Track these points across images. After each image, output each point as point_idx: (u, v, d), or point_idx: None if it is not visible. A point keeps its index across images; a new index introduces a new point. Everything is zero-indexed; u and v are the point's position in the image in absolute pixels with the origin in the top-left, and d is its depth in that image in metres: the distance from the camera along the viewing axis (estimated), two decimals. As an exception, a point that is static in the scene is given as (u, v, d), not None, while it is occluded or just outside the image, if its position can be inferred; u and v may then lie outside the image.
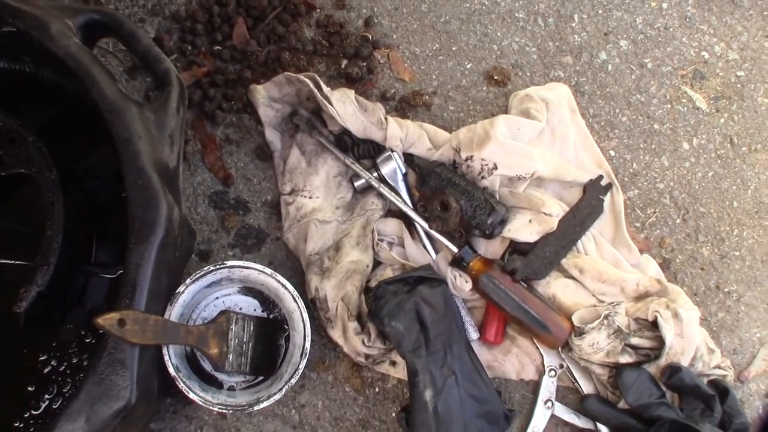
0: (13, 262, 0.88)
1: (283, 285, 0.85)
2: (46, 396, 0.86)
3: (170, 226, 0.78)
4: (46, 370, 0.87)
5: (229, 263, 0.85)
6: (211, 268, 0.84)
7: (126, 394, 0.71)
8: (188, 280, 0.82)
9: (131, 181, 0.78)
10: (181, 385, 0.79)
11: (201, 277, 0.83)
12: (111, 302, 0.86)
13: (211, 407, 0.80)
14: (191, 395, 0.80)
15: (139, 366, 0.73)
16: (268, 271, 0.85)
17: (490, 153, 0.96)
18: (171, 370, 0.78)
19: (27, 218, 0.91)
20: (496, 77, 1.11)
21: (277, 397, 0.82)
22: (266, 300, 0.90)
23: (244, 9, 1.08)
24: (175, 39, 1.07)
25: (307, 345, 0.84)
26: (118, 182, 0.83)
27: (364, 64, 1.08)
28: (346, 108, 0.97)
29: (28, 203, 0.90)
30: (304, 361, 0.83)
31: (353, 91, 1.00)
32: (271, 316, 0.89)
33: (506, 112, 1.06)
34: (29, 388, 0.86)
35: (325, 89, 0.98)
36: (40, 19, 0.85)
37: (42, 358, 0.87)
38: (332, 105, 0.96)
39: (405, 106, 1.07)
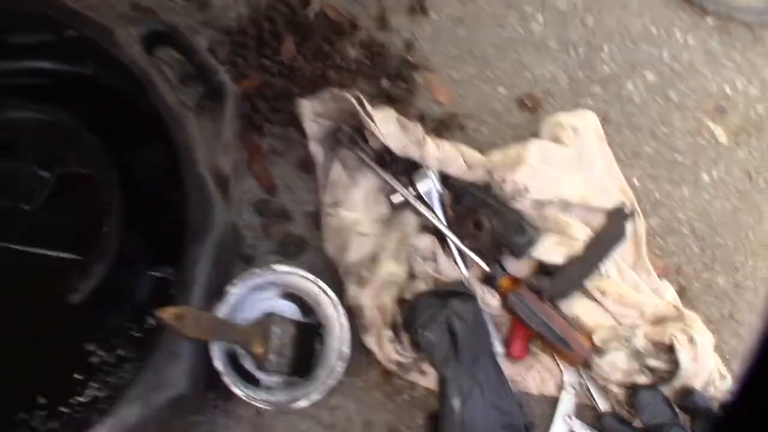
0: (67, 255, 0.92)
1: (324, 291, 0.90)
2: (93, 384, 0.91)
3: (223, 229, 0.83)
4: (93, 360, 0.92)
5: (276, 267, 0.89)
6: (259, 271, 0.89)
7: (179, 384, 0.76)
8: (237, 282, 0.87)
9: (190, 185, 0.82)
10: (226, 379, 0.84)
11: (249, 279, 0.88)
12: (155, 299, 0.92)
13: (254, 402, 0.85)
14: (236, 390, 0.84)
15: (191, 359, 0.78)
16: (312, 277, 0.90)
17: (522, 176, 1.02)
18: (219, 365, 0.83)
19: (80, 214, 0.95)
20: (528, 103, 1.16)
21: (316, 396, 0.86)
22: (306, 305, 0.95)
23: (292, 26, 1.13)
24: (227, 51, 1.12)
25: (345, 350, 0.88)
26: (164, 183, 0.89)
27: (404, 85, 1.13)
28: (387, 127, 1.02)
29: (82, 199, 0.95)
30: (342, 364, 0.88)
31: (394, 111, 1.05)
32: (310, 321, 0.94)
33: (537, 137, 1.11)
34: (77, 376, 0.91)
35: (368, 107, 1.02)
36: (106, 27, 0.89)
37: (89, 348, 0.92)
38: (375, 123, 1.01)
39: (441, 128, 1.12)
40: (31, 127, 0.96)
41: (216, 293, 0.85)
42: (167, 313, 0.73)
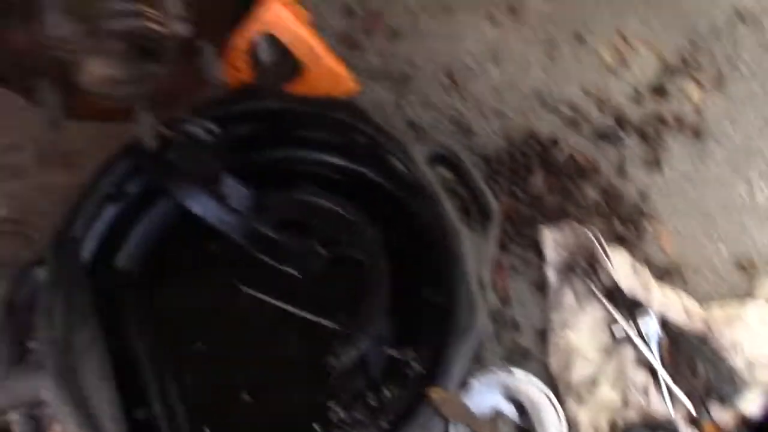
0: (331, 324, 1.08)
1: (550, 401, 1.02)
2: (331, 437, 1.05)
3: (480, 330, 0.97)
4: (332, 417, 1.05)
5: (513, 370, 1.03)
6: (497, 370, 1.02)
7: (428, 455, 0.90)
8: (479, 376, 1.00)
9: (459, 291, 0.97)
10: (456, 457, 0.97)
11: (488, 376, 1.01)
12: (387, 375, 1.04)
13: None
14: (464, 467, 0.97)
15: (437, 433, 0.91)
16: (542, 386, 1.02)
17: (737, 333, 1.11)
18: (456, 444, 0.97)
19: (347, 290, 1.11)
20: (745, 265, 1.25)
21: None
22: (523, 409, 1.07)
23: (543, 162, 1.30)
24: (482, 176, 1.28)
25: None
26: (423, 279, 1.04)
27: (634, 229, 1.26)
28: (621, 267, 1.15)
29: (350, 278, 1.11)
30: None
31: (626, 252, 1.18)
32: (526, 425, 1.06)
33: (752, 297, 1.20)
34: (316, 427, 1.04)
35: (604, 245, 1.16)
36: (403, 143, 1.08)
37: (331, 405, 1.05)
38: (609, 261, 1.14)
39: (664, 274, 1.23)
40: (319, 211, 1.13)
41: (462, 384, 0.98)
42: (438, 393, 0.88)
